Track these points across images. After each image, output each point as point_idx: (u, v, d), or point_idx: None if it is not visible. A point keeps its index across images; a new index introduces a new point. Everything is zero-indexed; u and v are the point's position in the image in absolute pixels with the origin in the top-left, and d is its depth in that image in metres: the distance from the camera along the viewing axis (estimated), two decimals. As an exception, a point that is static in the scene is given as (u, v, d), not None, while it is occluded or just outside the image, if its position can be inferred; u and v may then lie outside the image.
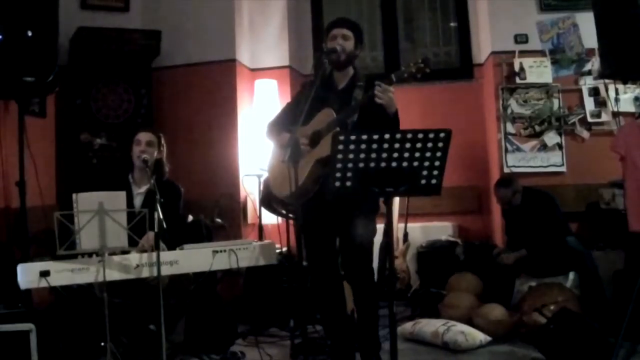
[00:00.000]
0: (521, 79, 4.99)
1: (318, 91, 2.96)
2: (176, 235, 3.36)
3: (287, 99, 5.39)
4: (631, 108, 4.79)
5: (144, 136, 3.56)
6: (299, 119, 2.77)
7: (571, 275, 4.12)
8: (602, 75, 4.34)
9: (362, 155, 2.22)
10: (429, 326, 3.82)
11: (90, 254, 2.83)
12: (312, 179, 2.91)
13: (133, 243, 2.88)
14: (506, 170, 4.95)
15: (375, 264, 4.74)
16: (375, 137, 2.21)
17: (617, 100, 4.59)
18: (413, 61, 2.73)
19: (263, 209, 4.52)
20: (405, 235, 4.92)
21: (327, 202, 2.81)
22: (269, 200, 4.29)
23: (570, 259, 4.12)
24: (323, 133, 2.92)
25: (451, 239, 5.07)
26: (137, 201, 3.50)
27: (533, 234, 4.22)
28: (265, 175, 4.53)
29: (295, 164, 2.72)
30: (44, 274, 2.72)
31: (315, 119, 2.99)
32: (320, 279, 3.14)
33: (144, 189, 3.55)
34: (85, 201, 2.75)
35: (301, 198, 2.89)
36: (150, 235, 2.96)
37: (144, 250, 3.01)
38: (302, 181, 2.86)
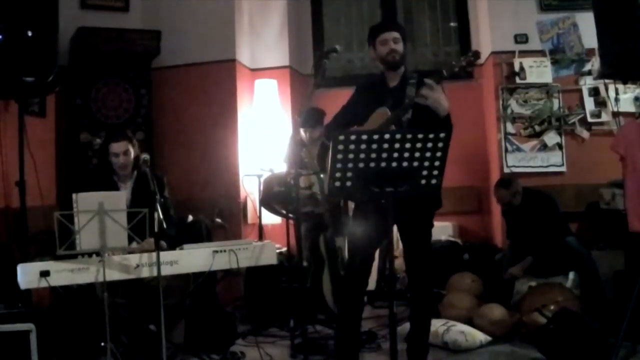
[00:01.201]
0: (521, 79, 4.99)
1: (372, 92, 3.07)
2: (168, 219, 3.38)
3: (287, 99, 5.42)
4: (631, 108, 4.79)
5: (118, 147, 3.56)
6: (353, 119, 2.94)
7: (571, 275, 4.12)
8: (602, 75, 4.33)
9: (362, 155, 2.22)
10: (429, 326, 3.82)
11: (90, 254, 2.83)
12: None
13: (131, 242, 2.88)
14: (506, 170, 4.95)
15: (376, 263, 4.79)
16: (375, 137, 2.21)
17: (617, 100, 4.58)
18: (465, 55, 2.80)
19: (263, 209, 4.53)
20: (406, 235, 4.90)
21: (383, 204, 2.82)
22: (268, 200, 4.30)
23: (570, 259, 4.13)
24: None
25: (451, 239, 5.06)
26: (127, 195, 3.54)
27: (533, 234, 4.22)
28: (266, 175, 4.54)
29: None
30: (44, 274, 2.72)
31: (371, 118, 3.02)
32: (354, 284, 3.13)
33: (128, 184, 3.63)
34: (85, 201, 2.75)
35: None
36: (151, 241, 2.97)
37: (144, 250, 3.01)
38: None
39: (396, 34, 3.07)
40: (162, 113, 5.05)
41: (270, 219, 4.88)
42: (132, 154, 3.59)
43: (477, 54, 2.79)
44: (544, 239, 4.16)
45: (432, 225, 3.15)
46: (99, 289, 2.97)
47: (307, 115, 3.22)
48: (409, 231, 3.06)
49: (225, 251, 3.08)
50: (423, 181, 2.31)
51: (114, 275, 2.85)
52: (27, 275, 2.73)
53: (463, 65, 2.77)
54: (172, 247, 3.31)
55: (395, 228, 3.12)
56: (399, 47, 3.06)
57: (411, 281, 3.17)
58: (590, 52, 4.88)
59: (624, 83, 4.53)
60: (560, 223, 4.28)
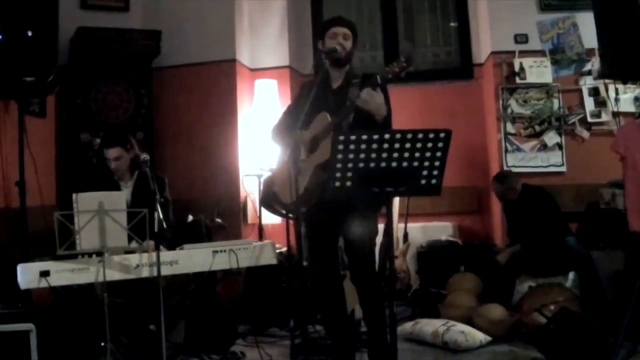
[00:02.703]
0: (521, 79, 4.99)
1: (316, 91, 2.95)
2: (166, 220, 3.39)
3: (287, 99, 5.41)
4: (631, 108, 4.79)
5: (111, 153, 3.64)
6: (298, 122, 2.82)
7: (571, 275, 4.12)
8: (602, 75, 4.34)
9: (362, 155, 2.22)
10: (429, 326, 3.82)
11: (90, 254, 2.83)
12: (313, 185, 2.88)
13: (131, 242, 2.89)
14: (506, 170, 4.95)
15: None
16: (375, 137, 2.21)
17: (617, 100, 4.58)
18: (397, 60, 2.69)
19: (263, 209, 4.52)
20: (405, 235, 4.92)
21: (328, 203, 2.82)
22: (269, 200, 4.30)
23: (570, 259, 4.12)
24: (320, 138, 2.91)
25: (451, 239, 5.07)
26: (127, 196, 3.57)
27: (533, 231, 4.23)
28: (266, 175, 4.55)
29: (296, 168, 2.74)
30: (44, 274, 2.72)
31: (313, 123, 2.98)
32: (321, 279, 3.13)
33: (129, 183, 3.69)
34: (85, 201, 2.75)
35: (305, 204, 2.90)
36: (151, 243, 2.97)
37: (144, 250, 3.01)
38: (304, 187, 2.86)
39: (347, 31, 3.02)
40: (162, 113, 5.05)
41: (270, 219, 4.88)
42: (127, 158, 3.65)
43: (409, 60, 2.66)
44: (544, 236, 4.16)
45: (376, 226, 3.06)
46: (98, 289, 2.97)
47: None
48: (351, 231, 2.99)
49: (225, 251, 3.08)
50: (423, 181, 2.31)
51: (114, 275, 2.85)
52: (27, 275, 2.73)
53: (396, 72, 2.66)
54: (169, 249, 3.31)
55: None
56: (347, 44, 3.01)
57: (349, 260, 3.10)
58: (590, 52, 4.88)
59: (624, 83, 4.53)
60: (559, 221, 4.28)
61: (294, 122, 2.98)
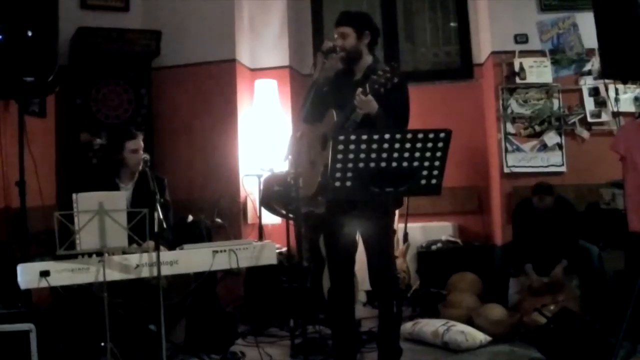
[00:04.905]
0: (521, 79, 4.99)
1: (336, 82, 3.00)
2: (167, 219, 3.39)
3: (287, 99, 5.43)
4: (631, 108, 4.79)
5: (136, 144, 3.61)
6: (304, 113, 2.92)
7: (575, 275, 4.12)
8: (602, 75, 4.33)
9: (362, 155, 2.23)
10: (429, 326, 3.82)
11: (90, 254, 2.83)
12: (325, 182, 2.88)
13: (132, 243, 2.88)
14: (506, 170, 4.95)
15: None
16: (375, 137, 2.22)
17: (617, 100, 4.58)
18: (383, 69, 2.68)
19: (263, 209, 4.53)
20: (405, 235, 4.92)
21: (344, 201, 2.81)
22: (269, 200, 4.31)
23: (578, 259, 4.10)
24: (329, 137, 2.90)
25: (451, 238, 5.07)
26: (127, 196, 3.55)
27: (552, 236, 4.17)
28: (266, 175, 4.55)
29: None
30: (44, 274, 2.72)
31: (325, 119, 2.99)
32: (337, 277, 3.11)
33: (130, 185, 3.65)
34: (85, 201, 2.75)
35: (315, 199, 2.93)
36: (151, 244, 2.97)
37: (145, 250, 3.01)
38: (318, 182, 2.87)
39: (344, 29, 2.98)
40: (162, 113, 5.05)
41: (270, 219, 4.88)
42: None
43: (394, 70, 2.64)
44: (563, 242, 4.12)
45: (392, 224, 3.04)
46: (97, 288, 2.97)
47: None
48: (369, 231, 2.98)
49: (225, 251, 3.08)
50: (423, 181, 2.31)
51: (114, 275, 2.85)
52: (27, 275, 2.73)
53: (382, 82, 2.65)
54: (169, 250, 3.31)
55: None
56: (347, 42, 2.97)
57: (373, 281, 3.05)
58: (590, 52, 4.88)
59: (624, 83, 4.52)
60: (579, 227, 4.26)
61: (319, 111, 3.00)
